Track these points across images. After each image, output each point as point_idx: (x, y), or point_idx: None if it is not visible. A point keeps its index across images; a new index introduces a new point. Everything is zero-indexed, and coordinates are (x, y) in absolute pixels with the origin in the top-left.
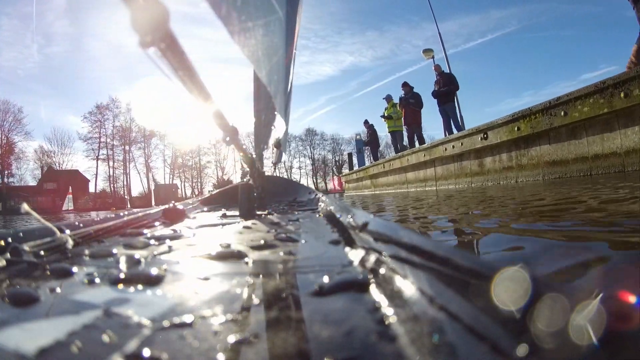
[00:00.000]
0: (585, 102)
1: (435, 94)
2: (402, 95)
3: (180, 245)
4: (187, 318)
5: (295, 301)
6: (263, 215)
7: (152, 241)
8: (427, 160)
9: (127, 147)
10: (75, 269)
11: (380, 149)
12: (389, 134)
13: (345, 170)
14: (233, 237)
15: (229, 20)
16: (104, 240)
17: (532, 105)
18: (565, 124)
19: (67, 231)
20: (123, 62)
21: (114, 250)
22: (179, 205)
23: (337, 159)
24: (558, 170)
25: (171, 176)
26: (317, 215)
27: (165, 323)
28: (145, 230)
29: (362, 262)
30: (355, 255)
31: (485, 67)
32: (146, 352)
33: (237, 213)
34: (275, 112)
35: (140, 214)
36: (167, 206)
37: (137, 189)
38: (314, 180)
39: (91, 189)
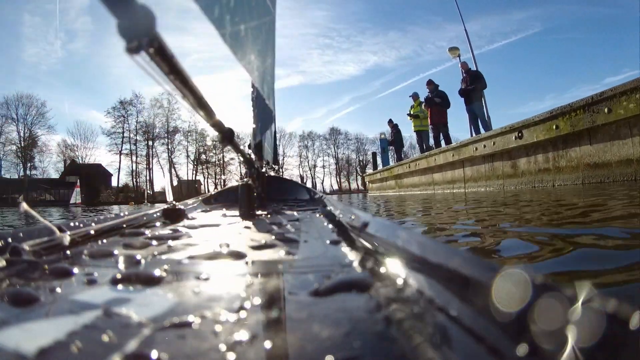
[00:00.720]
0: (632, 98)
1: (462, 92)
2: (427, 95)
3: (180, 245)
4: (187, 318)
5: (295, 301)
6: (263, 216)
7: (152, 241)
8: (455, 160)
9: (150, 143)
10: (75, 269)
11: (404, 149)
12: (413, 134)
13: (369, 170)
14: (233, 237)
15: (220, 23)
16: (103, 240)
17: (573, 101)
18: (608, 122)
19: (67, 231)
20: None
21: (114, 250)
22: (179, 205)
23: (360, 158)
24: (599, 173)
25: (194, 172)
26: (317, 215)
27: (165, 323)
28: (145, 230)
29: (362, 262)
30: (355, 255)
31: (507, 69)
32: (146, 352)
33: (237, 213)
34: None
35: (140, 214)
36: (167, 206)
37: (160, 184)
38: (338, 179)
39: (114, 182)
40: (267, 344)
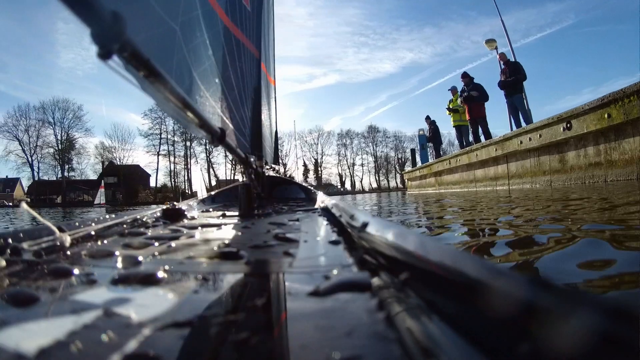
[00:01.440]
0: None
1: (501, 85)
2: (463, 87)
3: (180, 245)
4: (187, 318)
5: (294, 301)
6: (263, 215)
7: (152, 241)
8: (498, 155)
9: (187, 143)
10: (74, 269)
11: (442, 146)
12: (451, 131)
13: (408, 168)
14: (233, 237)
15: None
16: (103, 240)
17: (625, 87)
18: None
19: (67, 231)
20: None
21: (114, 250)
22: (179, 205)
23: (399, 156)
24: None
25: (232, 172)
26: (317, 215)
27: (165, 323)
28: (145, 230)
29: (362, 262)
30: (354, 255)
31: (543, 64)
32: (146, 352)
33: (237, 213)
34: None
35: (140, 214)
36: (166, 206)
37: (198, 184)
38: (376, 178)
39: (152, 183)
40: (267, 344)
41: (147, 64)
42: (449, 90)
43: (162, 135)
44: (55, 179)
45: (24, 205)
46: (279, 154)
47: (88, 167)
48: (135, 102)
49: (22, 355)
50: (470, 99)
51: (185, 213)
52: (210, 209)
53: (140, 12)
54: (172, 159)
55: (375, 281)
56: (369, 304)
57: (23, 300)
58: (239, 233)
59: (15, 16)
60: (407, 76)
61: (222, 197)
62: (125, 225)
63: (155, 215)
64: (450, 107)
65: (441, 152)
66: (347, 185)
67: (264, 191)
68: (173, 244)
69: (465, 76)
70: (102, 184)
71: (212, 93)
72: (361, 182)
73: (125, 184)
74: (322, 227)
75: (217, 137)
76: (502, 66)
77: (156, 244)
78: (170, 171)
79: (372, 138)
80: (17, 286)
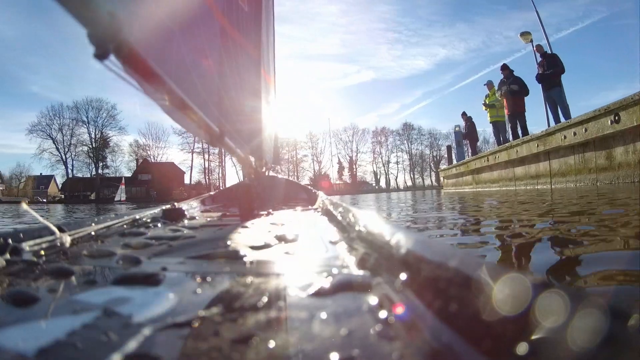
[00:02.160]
0: None
1: (539, 78)
2: (502, 80)
3: (180, 245)
4: (187, 318)
5: (294, 301)
6: (263, 215)
7: (152, 241)
8: (540, 151)
9: None
10: (74, 269)
11: (478, 143)
12: (485, 128)
13: (443, 166)
14: (233, 237)
15: None
16: (103, 240)
17: None
18: None
19: (67, 231)
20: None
21: (114, 250)
22: (179, 205)
23: (434, 154)
24: None
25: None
26: (317, 215)
27: (165, 323)
28: (145, 230)
29: (361, 262)
30: (354, 255)
31: (577, 58)
32: (146, 352)
33: (237, 213)
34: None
35: (140, 214)
36: (167, 206)
37: (233, 181)
38: (411, 176)
39: (186, 180)
40: (267, 344)
41: (144, 65)
42: (484, 84)
43: None
44: (89, 176)
45: (23, 205)
46: (280, 154)
47: (122, 165)
48: None
49: (22, 355)
50: (509, 93)
51: (185, 213)
52: (211, 209)
53: (137, 13)
54: (206, 156)
55: (375, 281)
56: (368, 303)
57: (23, 300)
58: (239, 233)
59: (46, 20)
60: (442, 72)
61: (222, 197)
62: (125, 225)
63: (155, 215)
64: (487, 102)
65: (477, 150)
66: (382, 183)
67: (264, 191)
68: (173, 244)
69: (504, 68)
70: (123, 181)
71: (210, 93)
72: (396, 180)
73: (159, 181)
74: (322, 227)
75: (215, 137)
76: (539, 59)
77: (156, 243)
78: (204, 168)
79: (407, 135)
80: (17, 286)
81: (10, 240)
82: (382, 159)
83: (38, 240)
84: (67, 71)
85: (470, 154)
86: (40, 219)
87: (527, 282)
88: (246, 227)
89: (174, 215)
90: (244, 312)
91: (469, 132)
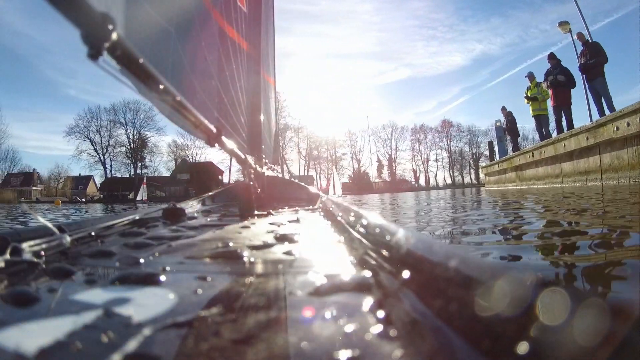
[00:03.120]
0: None
1: (582, 68)
2: (549, 70)
3: (180, 245)
4: (187, 318)
5: (294, 301)
6: (262, 215)
7: (152, 241)
8: (590, 145)
9: None
10: (75, 269)
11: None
12: (524, 124)
13: (483, 163)
14: (232, 237)
15: None
16: (103, 240)
17: None
18: None
19: (67, 231)
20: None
21: (114, 250)
22: (179, 205)
23: (473, 151)
24: None
25: (306, 168)
26: (317, 215)
27: (165, 323)
28: (145, 230)
29: (362, 262)
30: (354, 255)
31: (614, 51)
32: (146, 352)
33: (236, 213)
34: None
35: (140, 214)
36: (167, 206)
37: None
38: (451, 173)
39: (225, 179)
40: (267, 344)
41: (140, 65)
42: (525, 76)
43: None
44: (128, 176)
45: (24, 206)
46: (281, 152)
47: (161, 165)
48: None
49: (22, 355)
50: (556, 84)
51: (185, 213)
52: (210, 209)
53: (133, 14)
54: None
55: (375, 281)
56: (368, 304)
57: (23, 300)
58: (239, 233)
59: None
60: (478, 68)
61: (222, 197)
62: (125, 225)
63: (155, 215)
64: (529, 95)
65: (519, 146)
66: (421, 181)
67: (263, 191)
68: (173, 244)
69: (552, 57)
70: (145, 181)
71: (208, 94)
72: (435, 177)
73: (198, 180)
74: (322, 227)
75: (213, 137)
76: (581, 48)
77: (156, 243)
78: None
79: (446, 132)
80: (17, 286)
81: (10, 240)
82: (421, 156)
83: (38, 240)
84: (104, 75)
85: (511, 149)
86: (41, 219)
87: (527, 282)
88: (246, 227)
89: (174, 215)
90: (244, 312)
91: (509, 127)
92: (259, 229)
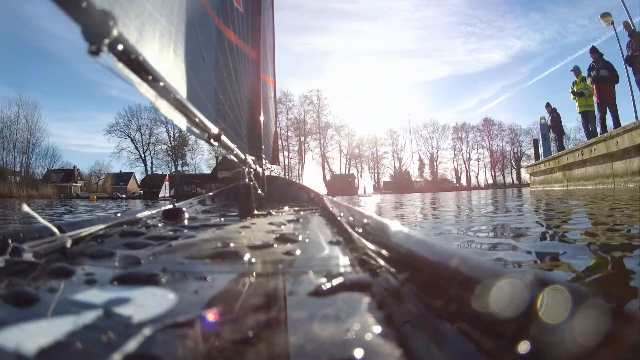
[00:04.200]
0: None
1: (629, 60)
2: (592, 65)
3: (180, 245)
4: (187, 318)
5: (294, 301)
6: (262, 216)
7: (152, 241)
8: None
9: (302, 138)
10: (75, 269)
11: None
12: (566, 123)
13: (524, 163)
14: (233, 237)
15: None
16: (103, 240)
17: None
18: None
19: (67, 231)
20: (290, 59)
21: (114, 250)
22: (179, 205)
23: (515, 150)
24: None
25: (347, 166)
26: (317, 215)
27: (165, 323)
28: (145, 230)
29: (362, 262)
30: (354, 255)
31: None
32: (146, 352)
33: (236, 213)
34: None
35: (140, 214)
36: (166, 206)
37: (312, 179)
38: (492, 173)
39: None
40: (267, 344)
41: (140, 62)
42: (571, 71)
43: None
44: (169, 173)
45: (24, 206)
46: (279, 152)
47: (202, 162)
48: None
49: (22, 355)
50: (599, 80)
51: (185, 213)
52: (210, 209)
53: (133, 12)
54: (286, 153)
55: (375, 281)
56: (369, 304)
57: (23, 300)
58: (239, 233)
59: None
60: (518, 65)
61: (222, 197)
62: (125, 225)
63: (155, 215)
64: (575, 90)
65: (564, 145)
66: (463, 181)
67: (263, 191)
68: (173, 244)
69: (594, 51)
70: (167, 178)
71: (207, 94)
72: (477, 177)
73: (239, 178)
74: (322, 227)
75: (213, 137)
76: (627, 38)
77: (156, 243)
78: (284, 165)
79: (488, 131)
80: (17, 286)
81: (10, 240)
82: (462, 155)
83: (38, 241)
84: None
85: (557, 148)
86: (41, 219)
87: (528, 281)
88: (246, 227)
89: (174, 215)
90: (244, 312)
91: (554, 125)
92: (259, 229)
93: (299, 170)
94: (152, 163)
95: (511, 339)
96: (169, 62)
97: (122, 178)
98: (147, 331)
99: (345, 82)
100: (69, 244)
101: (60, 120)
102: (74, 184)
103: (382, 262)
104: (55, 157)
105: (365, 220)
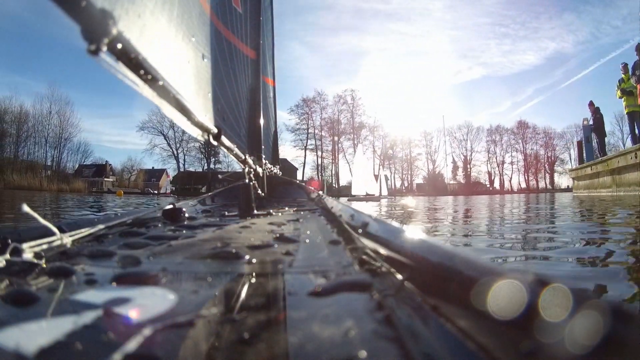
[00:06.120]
0: None
1: None
2: (636, 62)
3: (180, 245)
4: (187, 318)
5: (294, 301)
6: (262, 216)
7: (152, 241)
8: None
9: (335, 138)
10: (75, 269)
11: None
12: (607, 124)
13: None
14: (233, 237)
15: None
16: (103, 240)
17: None
18: None
19: (67, 231)
20: (325, 59)
21: (114, 250)
22: (179, 205)
23: (549, 154)
24: None
25: (380, 167)
26: (317, 215)
27: (165, 323)
28: (145, 230)
29: (362, 262)
30: (354, 255)
31: None
32: (146, 352)
33: (236, 213)
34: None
35: (140, 214)
36: (167, 206)
37: (346, 178)
38: (526, 177)
39: (299, 176)
40: (267, 344)
41: (139, 62)
42: (620, 65)
43: (309, 130)
44: (201, 170)
45: (24, 207)
46: (278, 152)
47: (234, 160)
48: (281, 99)
49: (22, 355)
50: None
51: (185, 213)
52: (210, 209)
53: (134, 12)
54: (319, 153)
55: (375, 281)
56: (368, 303)
57: (23, 300)
58: (239, 233)
59: None
60: (552, 68)
61: (222, 197)
62: (125, 226)
63: (155, 215)
64: (624, 88)
65: (605, 148)
66: (496, 184)
67: (263, 191)
68: (173, 244)
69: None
70: (169, 174)
71: (206, 94)
72: (510, 181)
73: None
74: (322, 227)
75: (212, 137)
76: None
77: (156, 243)
78: (317, 165)
79: (522, 134)
80: (17, 286)
81: (10, 240)
82: (496, 158)
83: (38, 241)
84: None
85: (599, 150)
86: (41, 219)
87: (528, 282)
88: (246, 227)
89: (174, 215)
90: (244, 312)
91: (596, 126)
92: (259, 229)
93: (332, 171)
94: (184, 160)
95: (511, 339)
96: (168, 62)
97: (154, 174)
98: (147, 331)
99: (379, 82)
100: (69, 244)
101: (96, 116)
102: (105, 179)
103: (382, 262)
104: (87, 152)
105: (365, 220)
